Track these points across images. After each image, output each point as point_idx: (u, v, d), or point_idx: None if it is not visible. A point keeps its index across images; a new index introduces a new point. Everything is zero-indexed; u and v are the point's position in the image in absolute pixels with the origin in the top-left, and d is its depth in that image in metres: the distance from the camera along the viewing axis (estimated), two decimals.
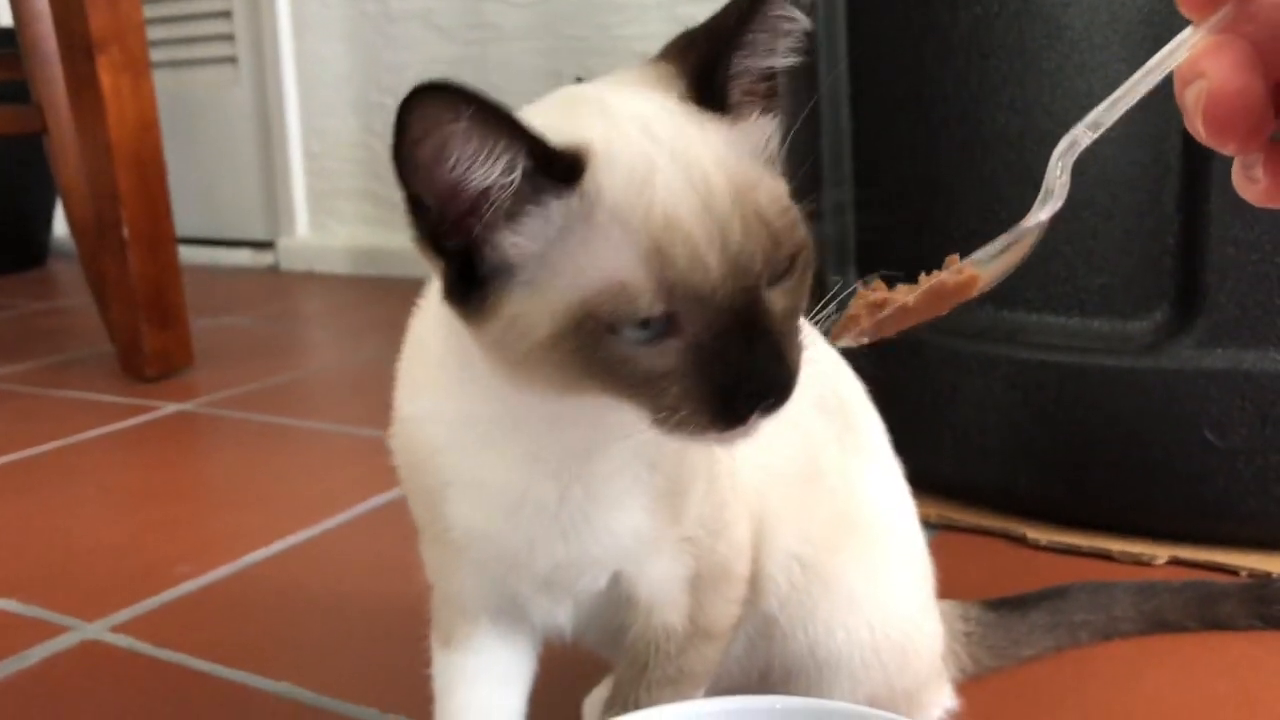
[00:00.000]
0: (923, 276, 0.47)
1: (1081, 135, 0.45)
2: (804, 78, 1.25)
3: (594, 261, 0.45)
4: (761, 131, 0.51)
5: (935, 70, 1.09)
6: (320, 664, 0.90)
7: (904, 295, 0.46)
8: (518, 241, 0.45)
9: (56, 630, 0.97)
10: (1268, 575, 0.97)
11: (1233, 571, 0.99)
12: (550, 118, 0.47)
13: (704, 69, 0.50)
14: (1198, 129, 0.41)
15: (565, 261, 0.45)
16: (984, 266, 0.46)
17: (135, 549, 1.17)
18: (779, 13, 0.49)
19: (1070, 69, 1.01)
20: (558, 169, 0.45)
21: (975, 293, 0.45)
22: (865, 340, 0.48)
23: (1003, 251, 0.46)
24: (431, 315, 0.56)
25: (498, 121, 0.43)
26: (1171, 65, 0.42)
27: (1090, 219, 1.01)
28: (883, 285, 0.47)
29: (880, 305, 0.46)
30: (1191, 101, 0.41)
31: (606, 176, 0.45)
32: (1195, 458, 1.00)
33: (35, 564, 1.13)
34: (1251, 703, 0.80)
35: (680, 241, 0.44)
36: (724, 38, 0.50)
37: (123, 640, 0.95)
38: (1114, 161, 1.00)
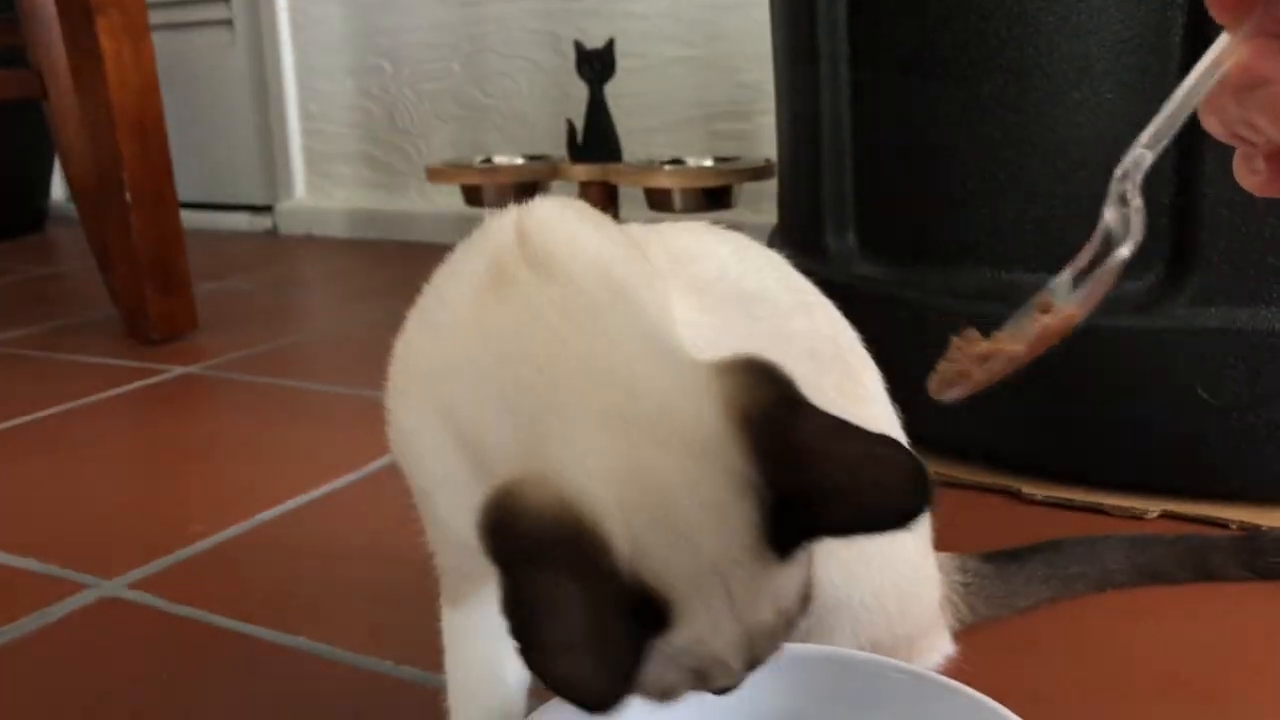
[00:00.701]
0: (1014, 323, 0.48)
1: (1143, 155, 0.45)
2: (804, 41, 1.25)
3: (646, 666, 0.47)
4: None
5: (934, 33, 1.10)
6: (334, 618, 0.92)
7: (1009, 343, 0.47)
8: None
9: (76, 588, 0.99)
10: (1257, 528, 0.99)
11: (1223, 524, 1.01)
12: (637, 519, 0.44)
13: (791, 527, 0.45)
14: (1274, 135, 0.42)
15: None
16: (1076, 302, 0.47)
17: (149, 508, 1.19)
18: None
19: (1067, 31, 1.01)
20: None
21: (1071, 330, 0.47)
22: (972, 391, 0.48)
23: (1086, 284, 0.47)
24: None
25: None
26: (1218, 72, 0.43)
27: (1086, 179, 1.03)
28: (977, 334, 0.48)
29: (986, 357, 0.47)
30: (1268, 104, 0.42)
31: (678, 635, 0.46)
32: (1188, 414, 1.02)
33: (50, 524, 1.15)
34: (1241, 650, 0.83)
35: (719, 670, 0.48)
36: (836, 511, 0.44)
37: (140, 597, 0.98)
38: (1111, 125, 1.01)
